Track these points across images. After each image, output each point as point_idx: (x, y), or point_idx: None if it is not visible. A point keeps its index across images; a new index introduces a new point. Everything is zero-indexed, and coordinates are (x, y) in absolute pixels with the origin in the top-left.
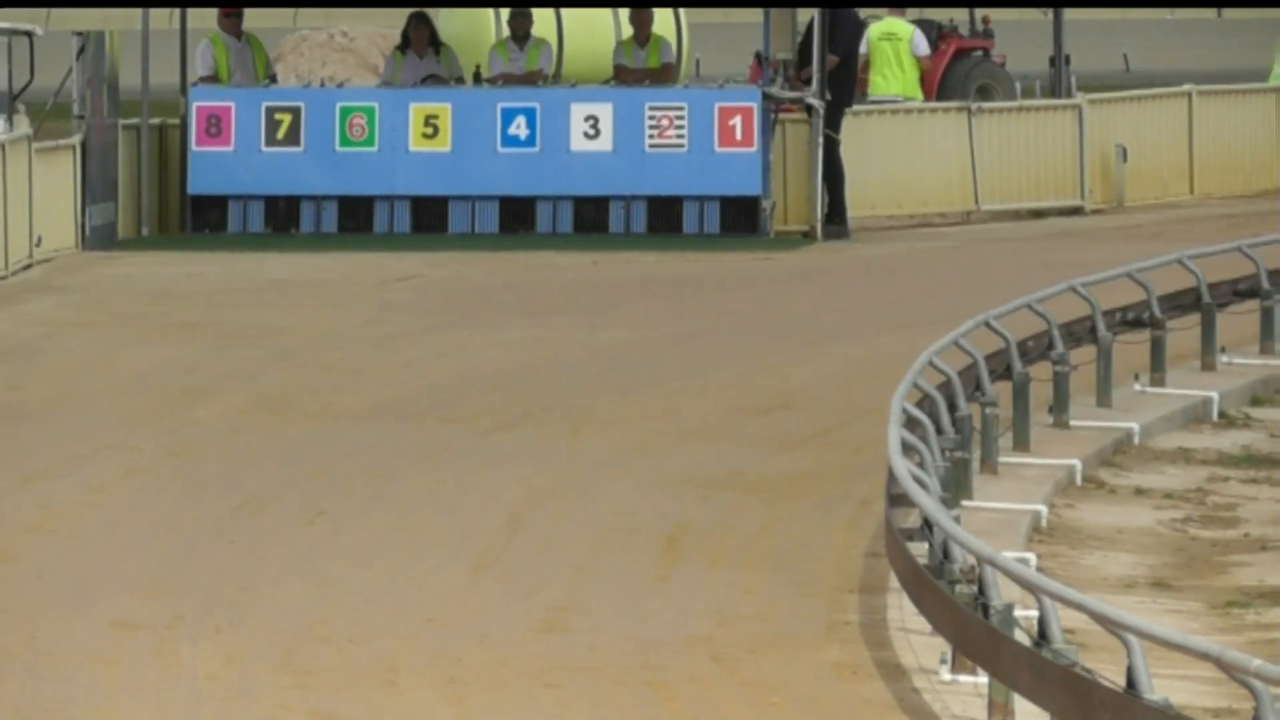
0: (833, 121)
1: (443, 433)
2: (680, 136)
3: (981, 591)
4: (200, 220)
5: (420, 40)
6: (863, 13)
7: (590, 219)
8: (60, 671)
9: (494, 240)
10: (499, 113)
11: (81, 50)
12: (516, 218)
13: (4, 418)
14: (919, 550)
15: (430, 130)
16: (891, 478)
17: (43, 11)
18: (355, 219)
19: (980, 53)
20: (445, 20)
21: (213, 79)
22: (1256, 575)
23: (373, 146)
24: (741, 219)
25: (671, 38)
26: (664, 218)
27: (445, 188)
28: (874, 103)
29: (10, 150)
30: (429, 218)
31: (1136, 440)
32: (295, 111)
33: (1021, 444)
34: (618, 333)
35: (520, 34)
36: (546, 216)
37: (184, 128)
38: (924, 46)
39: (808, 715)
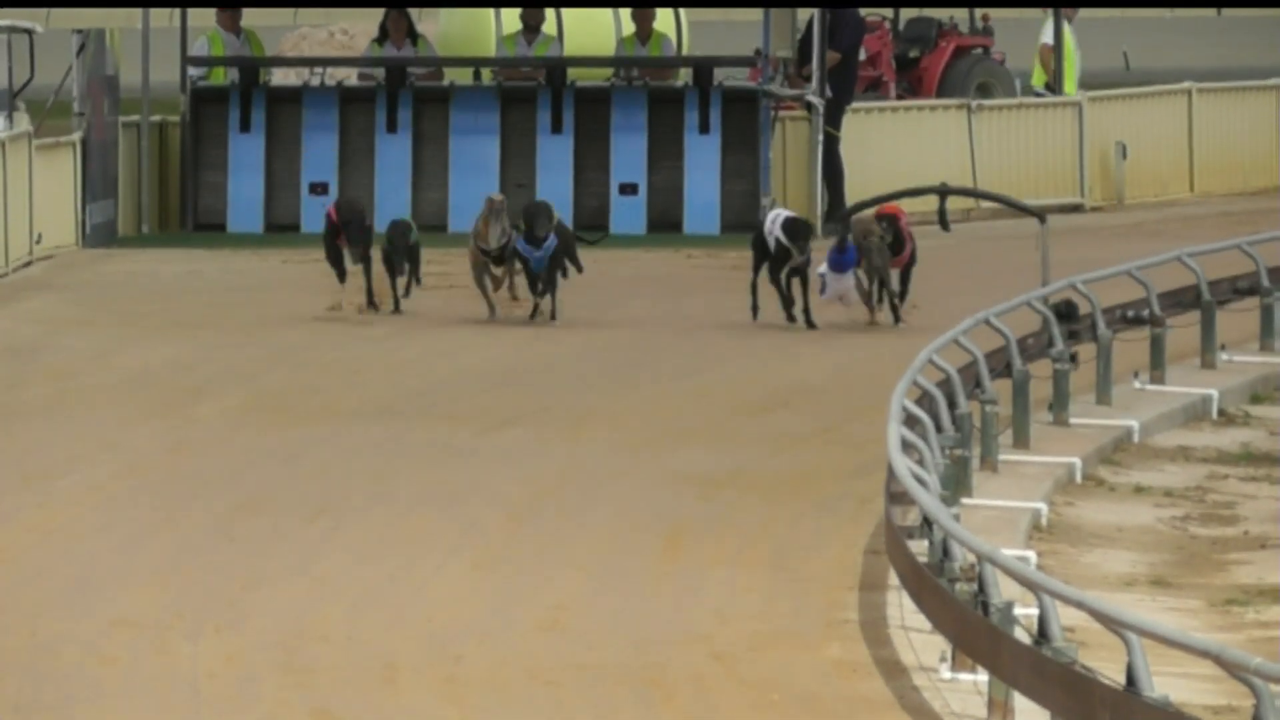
0: (833, 119)
1: (443, 432)
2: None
3: (981, 589)
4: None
5: (399, 31)
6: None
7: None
8: (60, 670)
9: None
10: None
11: (82, 48)
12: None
13: (3, 416)
14: (919, 548)
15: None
16: (891, 475)
17: (43, 9)
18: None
19: (980, 50)
20: (446, 20)
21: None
22: (1256, 573)
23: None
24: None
25: (672, 35)
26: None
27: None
28: (1037, 94)
29: (10, 148)
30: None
31: (1136, 438)
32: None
33: (1021, 442)
34: (618, 332)
35: (533, 25)
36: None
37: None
38: (1046, 34)
39: (807, 713)
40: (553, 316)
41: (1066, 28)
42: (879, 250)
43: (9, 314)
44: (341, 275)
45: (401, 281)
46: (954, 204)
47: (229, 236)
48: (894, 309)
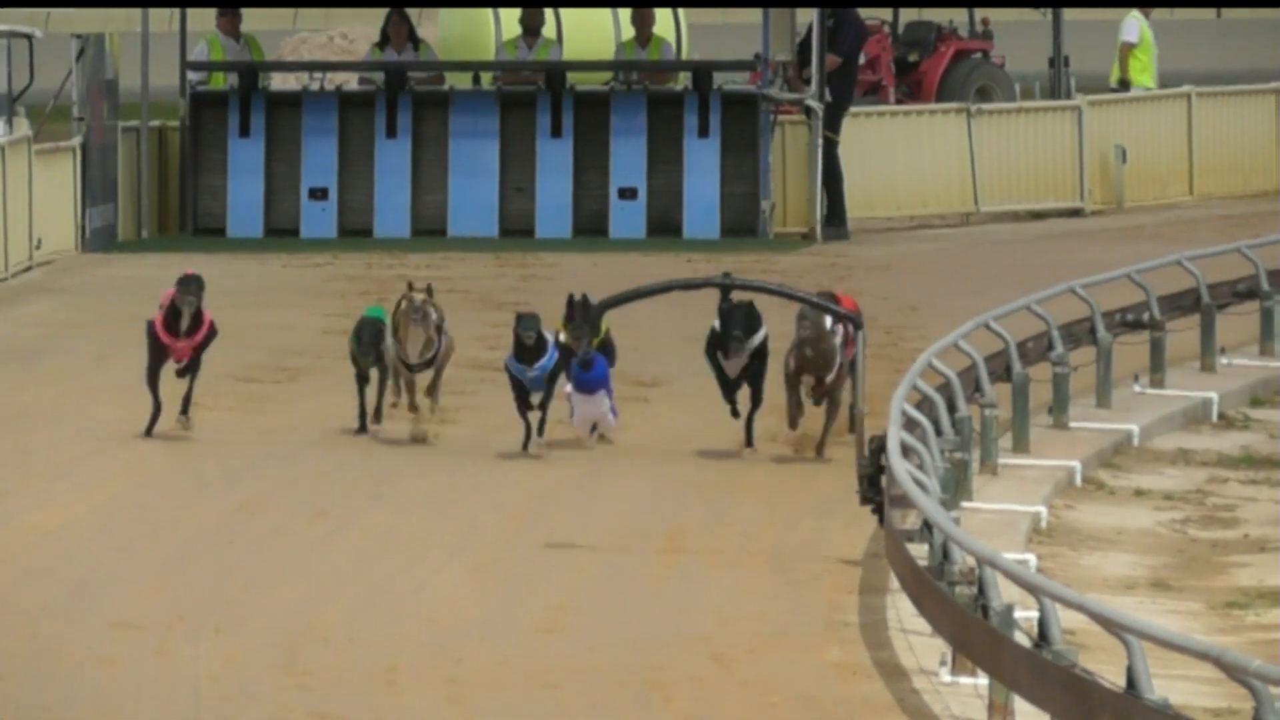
0: (832, 123)
1: (443, 432)
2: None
3: (981, 592)
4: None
5: (399, 36)
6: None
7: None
8: (60, 671)
9: (493, 242)
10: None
11: (81, 52)
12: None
13: (4, 419)
14: (919, 551)
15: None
16: (891, 479)
17: (42, 13)
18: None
19: (979, 54)
20: (445, 21)
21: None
22: (1256, 576)
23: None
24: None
25: (671, 39)
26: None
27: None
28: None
29: (10, 152)
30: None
31: (1136, 441)
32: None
33: (1021, 445)
34: (618, 333)
35: (533, 28)
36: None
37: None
38: (1126, 33)
39: (807, 715)
40: (539, 433)
41: (1145, 22)
42: (814, 352)
43: (9, 318)
44: (157, 406)
45: (387, 397)
46: (953, 207)
47: (228, 241)
48: (820, 441)
